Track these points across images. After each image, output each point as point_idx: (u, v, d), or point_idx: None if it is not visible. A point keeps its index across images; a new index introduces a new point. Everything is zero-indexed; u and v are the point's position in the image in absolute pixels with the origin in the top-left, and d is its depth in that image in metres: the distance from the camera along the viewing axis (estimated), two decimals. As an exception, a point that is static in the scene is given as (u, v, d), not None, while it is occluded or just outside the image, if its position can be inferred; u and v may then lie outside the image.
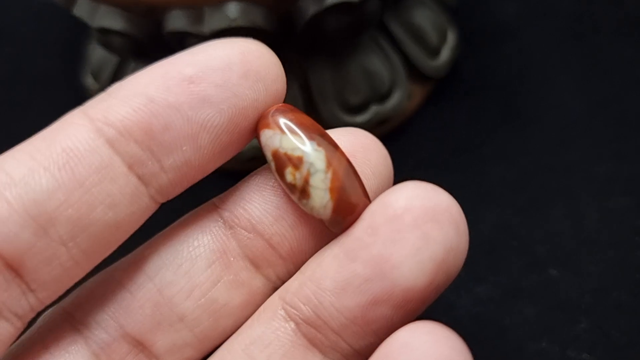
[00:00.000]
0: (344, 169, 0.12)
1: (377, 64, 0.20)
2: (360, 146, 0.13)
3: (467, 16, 0.25)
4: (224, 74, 0.12)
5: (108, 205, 0.11)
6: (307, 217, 0.13)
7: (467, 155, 0.21)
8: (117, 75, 0.21)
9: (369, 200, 0.12)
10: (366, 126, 0.20)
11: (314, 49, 0.19)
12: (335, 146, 0.12)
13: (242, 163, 0.19)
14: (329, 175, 0.12)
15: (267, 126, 0.12)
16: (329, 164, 0.12)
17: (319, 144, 0.12)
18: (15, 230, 0.11)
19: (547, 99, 0.22)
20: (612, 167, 0.20)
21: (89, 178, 0.11)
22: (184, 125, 0.12)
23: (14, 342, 0.12)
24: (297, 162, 0.12)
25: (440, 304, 0.14)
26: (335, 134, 0.13)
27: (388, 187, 0.13)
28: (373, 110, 0.20)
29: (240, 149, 0.13)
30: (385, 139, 0.21)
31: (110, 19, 0.17)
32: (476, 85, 0.23)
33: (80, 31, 0.25)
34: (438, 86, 0.22)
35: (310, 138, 0.12)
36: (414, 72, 0.21)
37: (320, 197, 0.12)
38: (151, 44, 0.18)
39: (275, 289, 0.14)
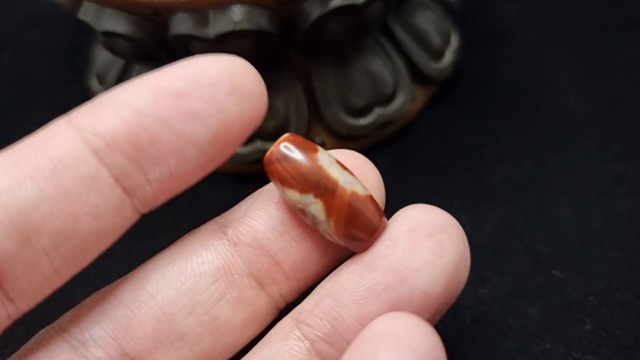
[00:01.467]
0: (348, 209, 0.13)
1: (381, 66, 0.20)
2: (358, 166, 0.14)
3: (470, 18, 0.25)
4: (212, 90, 0.12)
5: (93, 216, 0.11)
6: (311, 231, 0.14)
7: (470, 156, 0.21)
8: (123, 78, 0.22)
9: (385, 220, 0.13)
10: (370, 129, 0.20)
11: (318, 52, 0.19)
12: (333, 190, 0.13)
13: (245, 165, 0.19)
14: (332, 224, 0.13)
15: (272, 175, 0.13)
16: (329, 214, 0.13)
17: (315, 196, 0.13)
18: None
19: (551, 100, 0.22)
20: (617, 168, 0.20)
21: (75, 189, 0.11)
22: (172, 138, 0.12)
23: None
24: (302, 212, 0.13)
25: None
26: (334, 154, 0.14)
27: (382, 202, 0.14)
28: (377, 112, 0.20)
29: (224, 161, 0.13)
30: (388, 142, 0.22)
31: (115, 23, 0.17)
32: (480, 87, 0.23)
33: (85, 34, 0.25)
34: (441, 89, 0.23)
35: (306, 191, 0.13)
36: (418, 74, 0.21)
37: (332, 236, 0.13)
38: (156, 47, 0.18)
39: (278, 308, 0.14)
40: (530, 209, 0.19)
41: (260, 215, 0.14)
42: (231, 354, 0.14)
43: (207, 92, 0.12)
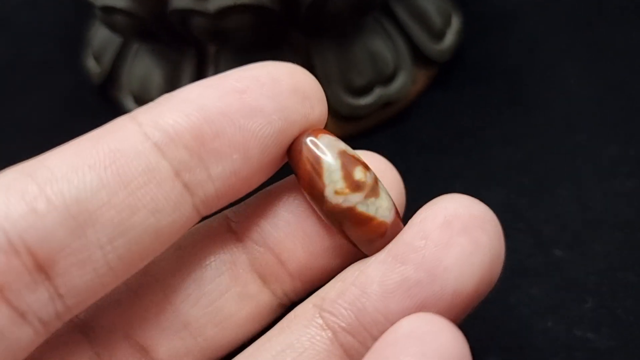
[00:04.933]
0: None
1: (382, 46, 0.20)
2: (382, 166, 0.14)
3: (472, 2, 0.25)
4: (274, 87, 0.12)
5: (151, 210, 0.11)
6: (318, 235, 0.13)
7: (471, 138, 0.21)
8: (120, 57, 0.21)
9: (401, 223, 0.13)
10: (370, 109, 0.20)
11: (319, 30, 0.19)
12: None
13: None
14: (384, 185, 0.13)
15: (327, 133, 0.12)
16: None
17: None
18: (52, 227, 0.10)
19: (553, 83, 0.22)
20: (618, 150, 0.19)
21: (135, 180, 0.11)
22: (235, 133, 0.11)
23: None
24: (365, 165, 0.12)
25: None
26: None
27: (402, 203, 0.14)
28: (377, 92, 0.20)
29: (283, 163, 0.13)
30: (389, 122, 0.21)
31: (114, -2, 0.17)
32: (481, 70, 0.23)
33: (81, 15, 0.25)
34: (442, 70, 0.22)
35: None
36: (419, 55, 0.21)
37: (388, 199, 0.12)
38: (155, 22, 0.18)
39: (282, 305, 0.14)
40: (532, 190, 0.19)
41: (267, 214, 0.13)
42: (234, 347, 0.13)
43: (270, 90, 0.12)
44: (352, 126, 0.20)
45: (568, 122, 0.21)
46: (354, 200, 0.12)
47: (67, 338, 0.12)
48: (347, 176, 0.12)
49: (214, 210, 0.12)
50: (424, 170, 0.20)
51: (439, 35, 0.22)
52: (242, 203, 0.14)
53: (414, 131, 0.21)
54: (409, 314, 0.12)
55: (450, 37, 0.22)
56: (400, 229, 0.13)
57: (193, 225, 0.12)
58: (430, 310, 0.12)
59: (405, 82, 0.21)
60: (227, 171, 0.12)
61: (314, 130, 0.12)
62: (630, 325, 0.15)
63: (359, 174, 0.12)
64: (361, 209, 0.12)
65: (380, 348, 0.11)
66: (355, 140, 0.21)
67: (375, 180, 0.12)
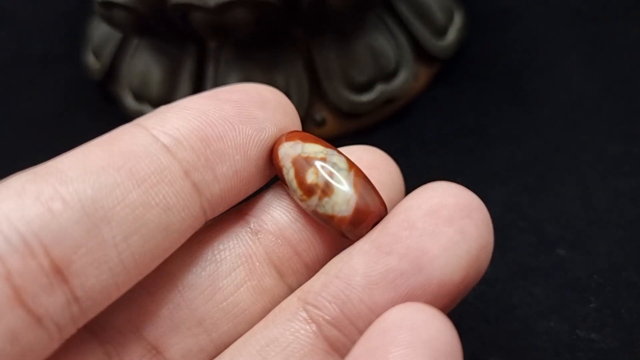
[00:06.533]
0: (363, 177, 0.13)
1: (384, 43, 0.20)
2: (380, 160, 0.14)
3: (474, -2, 0.24)
4: (262, 103, 0.13)
5: (163, 208, 0.11)
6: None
7: (473, 135, 0.20)
8: (119, 53, 0.21)
9: (385, 208, 0.13)
10: (372, 105, 0.20)
11: (320, 27, 0.19)
12: (349, 160, 0.13)
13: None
14: (352, 173, 0.12)
15: (288, 139, 0.13)
16: (350, 166, 0.13)
17: (338, 153, 0.13)
18: (68, 226, 0.10)
19: (555, 80, 0.22)
20: (621, 148, 0.19)
21: (148, 179, 0.11)
22: (236, 136, 0.12)
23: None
24: (320, 160, 0.12)
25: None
26: (354, 149, 0.14)
27: (402, 198, 0.13)
28: (379, 89, 0.20)
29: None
30: (391, 119, 0.21)
31: (113, -7, 0.17)
32: (483, 67, 0.22)
33: (81, 11, 0.25)
34: (444, 67, 0.22)
35: (330, 147, 0.13)
36: (421, 52, 0.21)
37: (344, 193, 0.12)
38: (155, 18, 0.17)
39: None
40: (535, 188, 0.19)
41: (282, 206, 0.13)
42: None
43: (259, 103, 0.13)
44: (353, 123, 0.20)
45: (571, 119, 0.20)
46: (313, 204, 0.12)
47: (77, 337, 0.12)
48: (301, 183, 0.12)
49: (217, 213, 0.12)
50: (426, 167, 0.20)
51: (441, 32, 0.21)
52: (257, 197, 0.14)
53: (415, 128, 0.21)
54: (395, 305, 0.11)
55: (452, 34, 0.22)
56: (384, 214, 0.12)
57: (198, 228, 0.12)
58: (416, 301, 0.11)
59: (407, 78, 0.20)
60: (230, 171, 0.12)
61: (285, 135, 0.13)
62: (634, 326, 0.15)
63: (310, 177, 0.12)
64: (321, 210, 0.12)
65: (369, 337, 0.11)
66: (357, 137, 0.20)
67: (329, 176, 0.12)
